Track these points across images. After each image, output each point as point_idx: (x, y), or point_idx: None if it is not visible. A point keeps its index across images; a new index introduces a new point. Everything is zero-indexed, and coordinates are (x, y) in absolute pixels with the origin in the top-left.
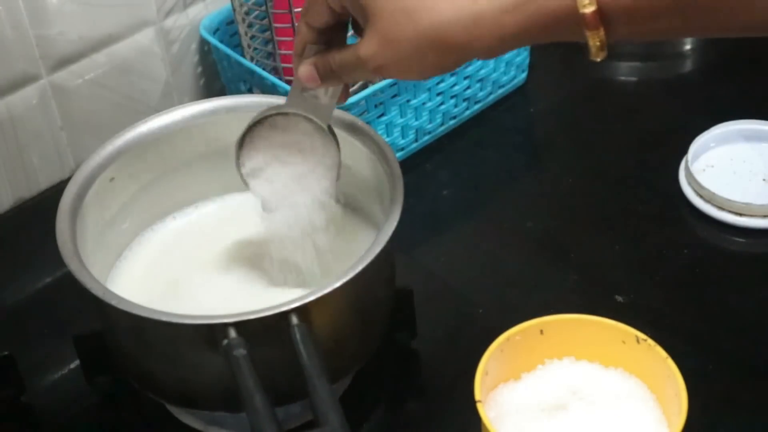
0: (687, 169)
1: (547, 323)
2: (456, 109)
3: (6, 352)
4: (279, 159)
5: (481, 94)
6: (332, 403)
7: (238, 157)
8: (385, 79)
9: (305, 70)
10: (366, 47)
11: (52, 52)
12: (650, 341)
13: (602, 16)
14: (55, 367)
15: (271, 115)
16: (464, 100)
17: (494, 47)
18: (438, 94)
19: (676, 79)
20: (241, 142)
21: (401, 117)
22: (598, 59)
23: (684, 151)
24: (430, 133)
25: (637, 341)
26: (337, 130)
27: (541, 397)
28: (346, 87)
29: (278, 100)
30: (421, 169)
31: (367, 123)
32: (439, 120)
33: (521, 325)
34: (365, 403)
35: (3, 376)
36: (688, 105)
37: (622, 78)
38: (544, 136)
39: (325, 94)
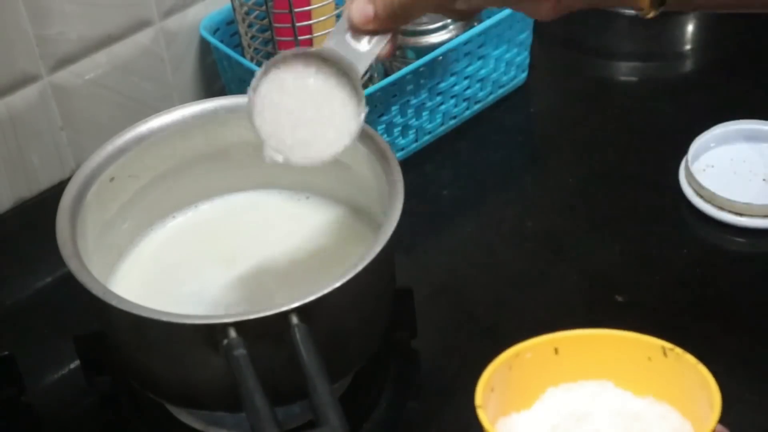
0: (687, 169)
1: (563, 340)
2: (456, 109)
3: (6, 352)
4: (296, 104)
5: (481, 94)
6: (332, 403)
7: (251, 101)
8: (444, 11)
9: (359, 7)
10: None
11: (52, 52)
12: (678, 350)
13: None
14: (55, 367)
15: (301, 55)
16: (464, 100)
17: None
18: (438, 94)
19: (676, 79)
20: (258, 82)
21: (401, 117)
22: (650, 15)
23: (684, 151)
24: (430, 133)
25: (664, 353)
26: None
27: (554, 424)
28: (394, 37)
29: None
30: (421, 169)
31: (367, 123)
32: (439, 120)
33: (533, 341)
34: (365, 403)
35: (3, 376)
36: (688, 105)
37: (622, 78)
38: (544, 136)
39: (370, 42)
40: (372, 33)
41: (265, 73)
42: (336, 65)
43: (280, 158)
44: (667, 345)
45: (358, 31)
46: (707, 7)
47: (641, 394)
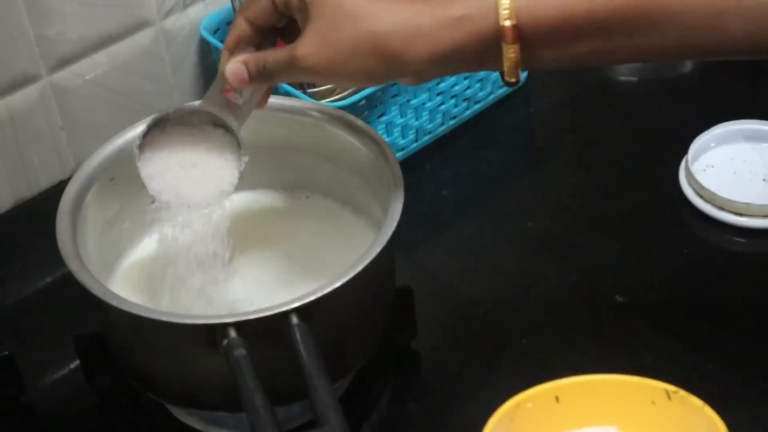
0: (687, 169)
1: (563, 388)
2: (456, 109)
3: (6, 352)
4: (181, 159)
5: (481, 94)
6: (332, 403)
7: (138, 157)
8: (312, 82)
9: (234, 67)
10: (303, 46)
11: (52, 52)
12: (682, 392)
13: (520, 33)
14: (55, 367)
15: (183, 110)
16: (464, 100)
17: (425, 63)
18: (438, 94)
19: (676, 79)
20: (142, 140)
21: (401, 117)
22: (512, 80)
23: (684, 151)
24: (430, 133)
25: (668, 396)
26: (337, 130)
27: None
28: (267, 92)
29: (277, 100)
30: (421, 169)
31: (367, 123)
32: (439, 120)
33: (533, 390)
34: (365, 403)
35: (3, 376)
36: (688, 105)
37: (622, 78)
38: (544, 136)
39: (246, 96)
40: (244, 88)
41: (151, 126)
42: (214, 118)
43: (164, 200)
44: (671, 388)
45: (233, 88)
46: (563, 68)
47: None
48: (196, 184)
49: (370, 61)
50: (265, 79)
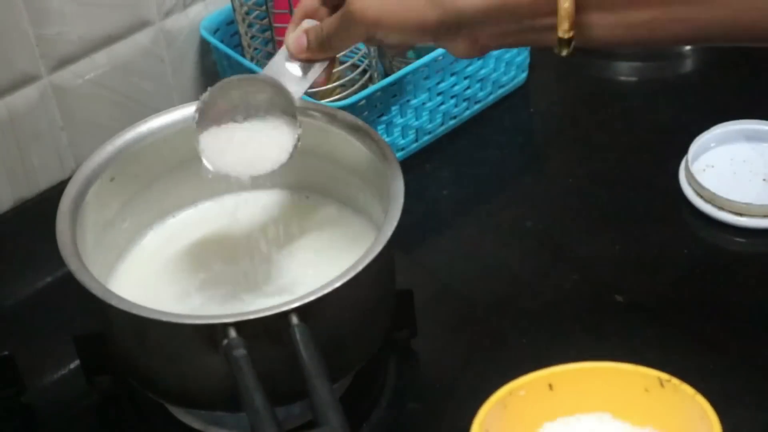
0: (687, 169)
1: (557, 375)
2: (456, 109)
3: (6, 352)
4: (238, 131)
5: (481, 94)
6: (332, 403)
7: (196, 128)
8: (368, 42)
9: (295, 37)
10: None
11: (52, 52)
12: (675, 380)
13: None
14: (55, 367)
15: (244, 80)
16: (464, 100)
17: (479, 13)
18: (438, 94)
19: (676, 79)
20: (203, 107)
21: (401, 117)
22: (563, 53)
23: (684, 151)
24: (430, 133)
25: (661, 384)
26: (337, 130)
27: None
28: (330, 67)
29: None
30: (421, 169)
31: (367, 123)
32: (439, 120)
33: (526, 378)
34: (365, 403)
35: (3, 376)
36: (688, 105)
37: (622, 78)
38: (544, 136)
39: (305, 69)
40: (306, 61)
41: (211, 94)
42: (274, 88)
43: (223, 172)
44: (664, 376)
45: (294, 59)
46: (617, 42)
47: (640, 424)
48: (254, 155)
49: (424, 6)
50: (323, 48)
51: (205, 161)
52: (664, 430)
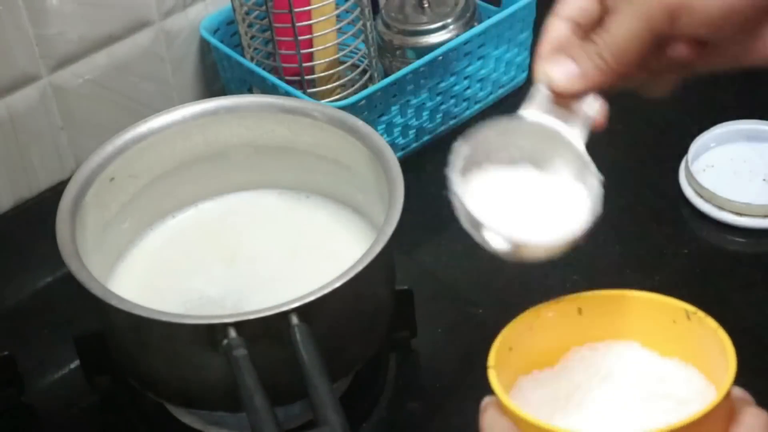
0: (687, 169)
1: (586, 300)
2: (456, 109)
3: (6, 352)
4: (514, 185)
5: (481, 94)
6: (332, 403)
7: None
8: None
9: (563, 68)
10: None
11: (52, 52)
12: (700, 313)
13: None
14: (55, 367)
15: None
16: (464, 100)
17: None
18: (438, 94)
19: None
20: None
21: (401, 117)
22: None
23: (684, 151)
24: (430, 133)
25: (688, 317)
26: (337, 130)
27: (576, 388)
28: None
29: (277, 100)
30: (421, 169)
31: (367, 123)
32: (439, 120)
33: (555, 301)
34: (365, 403)
35: (3, 376)
36: (688, 105)
37: None
38: None
39: (580, 105)
40: (579, 95)
41: (467, 146)
42: (543, 134)
43: (506, 245)
44: (690, 308)
45: (562, 96)
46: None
47: (667, 355)
48: (539, 216)
49: None
50: (609, 68)
51: (484, 228)
52: (689, 362)
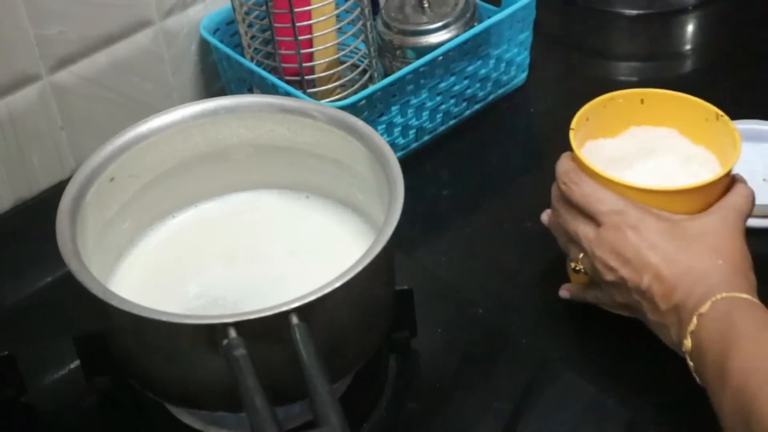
0: None
1: (648, 94)
2: (456, 109)
3: (6, 352)
4: None
5: (481, 94)
6: (332, 403)
7: None
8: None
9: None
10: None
11: (52, 52)
12: (726, 117)
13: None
14: (55, 367)
15: None
16: (464, 100)
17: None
18: (438, 94)
19: (676, 79)
20: None
21: (401, 117)
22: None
23: None
24: (430, 133)
25: (717, 118)
26: (337, 130)
27: (629, 154)
28: None
29: (277, 100)
30: (421, 169)
31: (367, 123)
32: (439, 120)
33: (623, 90)
34: (365, 403)
35: (3, 376)
36: None
37: (622, 78)
38: (544, 136)
39: None
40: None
41: None
42: None
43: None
44: (720, 112)
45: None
46: None
47: (697, 142)
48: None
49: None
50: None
51: None
52: (710, 150)
